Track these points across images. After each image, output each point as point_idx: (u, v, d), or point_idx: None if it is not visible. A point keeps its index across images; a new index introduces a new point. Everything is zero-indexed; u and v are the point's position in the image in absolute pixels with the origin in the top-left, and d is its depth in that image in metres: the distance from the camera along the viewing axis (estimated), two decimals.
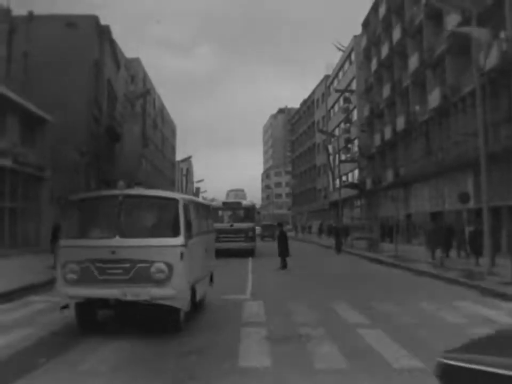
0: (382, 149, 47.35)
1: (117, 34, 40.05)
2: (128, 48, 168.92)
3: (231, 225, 28.41)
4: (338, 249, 31.89)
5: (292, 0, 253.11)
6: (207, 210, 12.73)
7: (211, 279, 12.26)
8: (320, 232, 62.57)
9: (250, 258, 26.68)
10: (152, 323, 9.57)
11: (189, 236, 9.04)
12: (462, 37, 24.49)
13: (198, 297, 10.13)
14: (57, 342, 8.44)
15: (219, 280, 13.24)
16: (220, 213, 29.50)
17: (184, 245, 8.69)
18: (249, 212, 29.84)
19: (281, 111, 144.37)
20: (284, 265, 20.89)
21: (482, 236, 18.66)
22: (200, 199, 12.98)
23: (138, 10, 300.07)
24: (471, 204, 23.35)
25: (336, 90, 63.72)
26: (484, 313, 10.68)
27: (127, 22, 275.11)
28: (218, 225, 27.71)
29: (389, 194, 42.84)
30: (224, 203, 31.09)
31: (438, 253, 21.95)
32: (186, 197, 10.33)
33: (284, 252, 21.26)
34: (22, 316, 10.71)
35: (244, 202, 31.85)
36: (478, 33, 17.08)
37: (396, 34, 41.52)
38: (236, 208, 30.32)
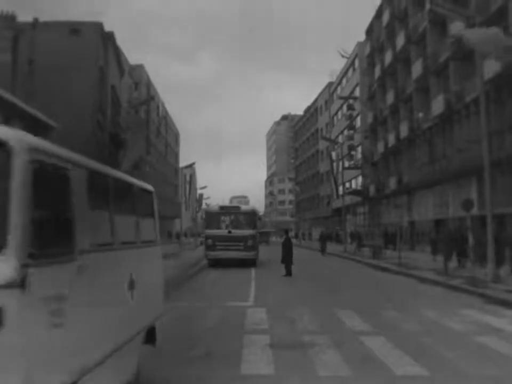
0: (385, 156, 47.33)
1: (118, 41, 40.50)
2: (130, 55, 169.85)
3: (229, 232, 26.09)
4: (323, 251, 38.52)
5: (296, 6, 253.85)
6: (141, 197, 6.41)
7: (151, 338, 6.35)
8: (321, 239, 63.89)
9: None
10: None
11: (48, 253, 3.46)
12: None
13: None
14: None
15: (221, 287, 13.19)
16: (219, 218, 27.10)
17: (20, 284, 3.12)
18: (250, 218, 27.19)
19: (284, 117, 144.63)
20: (288, 272, 20.87)
21: (499, 243, 18.46)
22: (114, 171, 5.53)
23: (139, 17, 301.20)
24: (475, 211, 23.28)
25: (340, 97, 63.85)
26: (488, 321, 10.63)
27: (127, 29, 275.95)
28: (215, 232, 26.34)
29: (392, 201, 42.84)
30: (221, 207, 28.44)
31: (443, 261, 21.72)
32: (56, 149, 3.90)
33: (287, 259, 21.19)
34: None
35: (244, 207, 29.41)
36: (471, 34, 16.89)
37: (400, 41, 41.58)
38: (235, 213, 27.43)
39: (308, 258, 34.18)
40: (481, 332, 9.48)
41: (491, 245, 17.14)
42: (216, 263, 26.24)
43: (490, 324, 10.37)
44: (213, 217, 27.36)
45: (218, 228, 26.73)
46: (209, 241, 26.29)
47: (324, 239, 39.86)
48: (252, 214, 27.64)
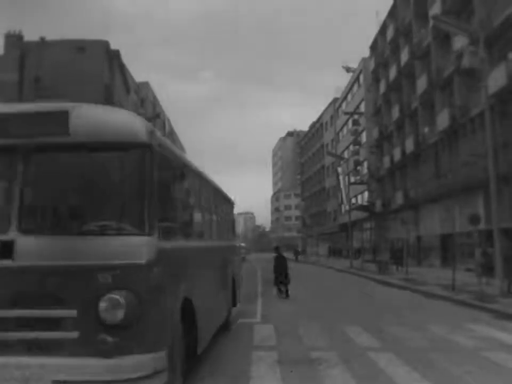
0: (391, 171, 47.32)
1: (123, 58, 40.79)
2: (136, 72, 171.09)
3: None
4: (296, 259, 58.27)
5: (300, 22, 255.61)
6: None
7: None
8: (329, 255, 67.68)
9: (258, 272, 25.22)
10: None
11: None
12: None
13: None
14: None
15: None
16: None
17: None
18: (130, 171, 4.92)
19: (290, 134, 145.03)
20: (286, 294, 18.48)
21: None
22: None
23: (143, 35, 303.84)
24: (482, 226, 23.12)
25: (345, 113, 64.02)
26: (497, 336, 10.53)
27: (132, 47, 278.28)
28: None
29: (398, 217, 42.72)
30: None
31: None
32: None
33: (279, 278, 18.82)
34: None
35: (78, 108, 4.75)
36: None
37: (404, 56, 41.75)
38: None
39: (312, 273, 34.10)
40: (489, 347, 9.38)
41: (499, 259, 17.04)
42: None
43: (499, 339, 10.26)
44: None
45: None
46: None
47: (296, 253, 64.29)
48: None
